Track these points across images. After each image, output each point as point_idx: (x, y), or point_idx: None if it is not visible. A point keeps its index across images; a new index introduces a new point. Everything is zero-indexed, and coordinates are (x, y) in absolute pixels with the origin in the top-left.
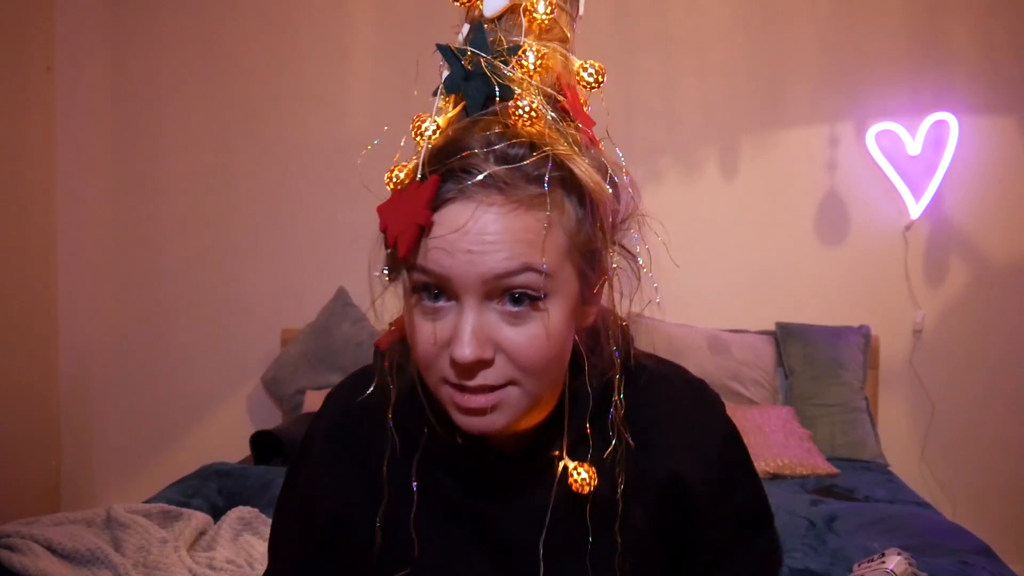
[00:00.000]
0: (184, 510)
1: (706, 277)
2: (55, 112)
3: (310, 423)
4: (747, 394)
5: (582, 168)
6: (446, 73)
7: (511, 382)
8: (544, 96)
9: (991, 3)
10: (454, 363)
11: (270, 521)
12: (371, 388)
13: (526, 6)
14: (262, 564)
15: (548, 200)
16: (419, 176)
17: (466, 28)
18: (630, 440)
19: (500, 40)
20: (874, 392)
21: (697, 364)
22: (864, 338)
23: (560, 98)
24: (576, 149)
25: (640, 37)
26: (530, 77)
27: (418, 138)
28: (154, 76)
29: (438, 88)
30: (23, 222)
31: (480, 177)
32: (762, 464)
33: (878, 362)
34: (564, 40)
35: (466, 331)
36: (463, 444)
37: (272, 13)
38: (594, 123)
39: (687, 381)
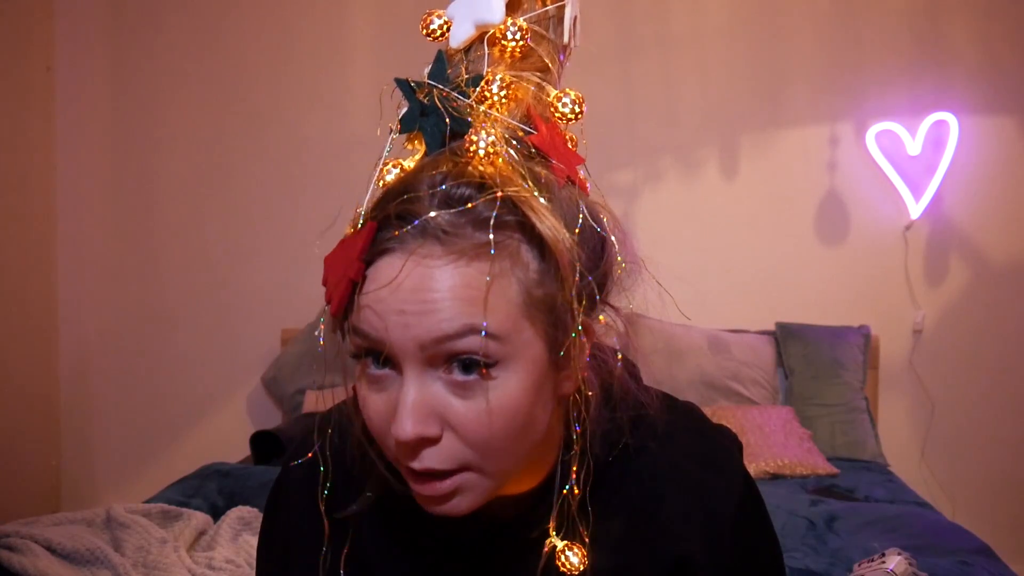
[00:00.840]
0: (184, 510)
1: (706, 277)
2: (55, 112)
3: (282, 469)
4: (747, 394)
5: (540, 213)
6: (404, 110)
7: (465, 467)
8: (508, 130)
9: (991, 3)
10: (396, 440)
11: None
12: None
13: (495, 34)
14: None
15: (492, 245)
16: (360, 223)
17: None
18: (609, 523)
19: (462, 72)
20: (874, 392)
21: (697, 364)
22: (864, 338)
23: (529, 131)
24: (538, 190)
25: (640, 37)
26: (496, 108)
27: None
28: (154, 76)
29: (391, 128)
30: (23, 222)
31: (415, 224)
32: (762, 464)
33: (878, 362)
34: (544, 70)
35: (405, 405)
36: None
37: (272, 13)
38: (581, 160)
39: (699, 435)
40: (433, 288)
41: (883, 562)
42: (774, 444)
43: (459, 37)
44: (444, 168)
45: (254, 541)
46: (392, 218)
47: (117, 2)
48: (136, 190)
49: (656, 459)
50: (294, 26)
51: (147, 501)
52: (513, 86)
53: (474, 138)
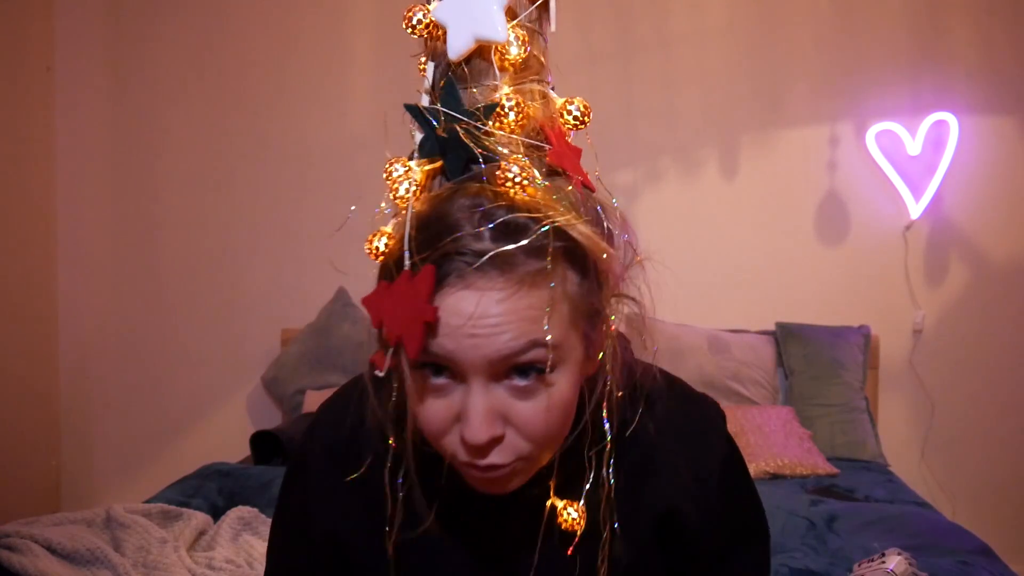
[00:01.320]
0: (184, 510)
1: (706, 277)
2: (55, 112)
3: (302, 438)
4: (747, 394)
5: (583, 233)
6: (419, 136)
7: (521, 457)
8: (530, 153)
9: (991, 3)
10: (465, 442)
11: (270, 521)
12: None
13: (497, 46)
14: (261, 564)
15: (553, 275)
16: (408, 264)
17: (431, 67)
18: (611, 478)
19: (472, 94)
20: (874, 392)
21: (697, 364)
22: (864, 338)
23: (546, 147)
24: (573, 210)
25: (640, 37)
26: (512, 132)
27: (395, 199)
28: (154, 76)
29: (413, 152)
30: (23, 222)
31: (482, 261)
32: (762, 464)
33: (878, 362)
34: (540, 70)
35: (477, 413)
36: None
37: (272, 13)
38: (579, 151)
39: (685, 399)
40: (500, 314)
41: (883, 562)
42: (774, 444)
43: (458, 49)
44: (482, 200)
45: (254, 541)
46: (451, 255)
47: (117, 2)
48: (136, 190)
49: (648, 424)
50: (294, 27)
51: (147, 501)
52: (523, 106)
53: (509, 172)
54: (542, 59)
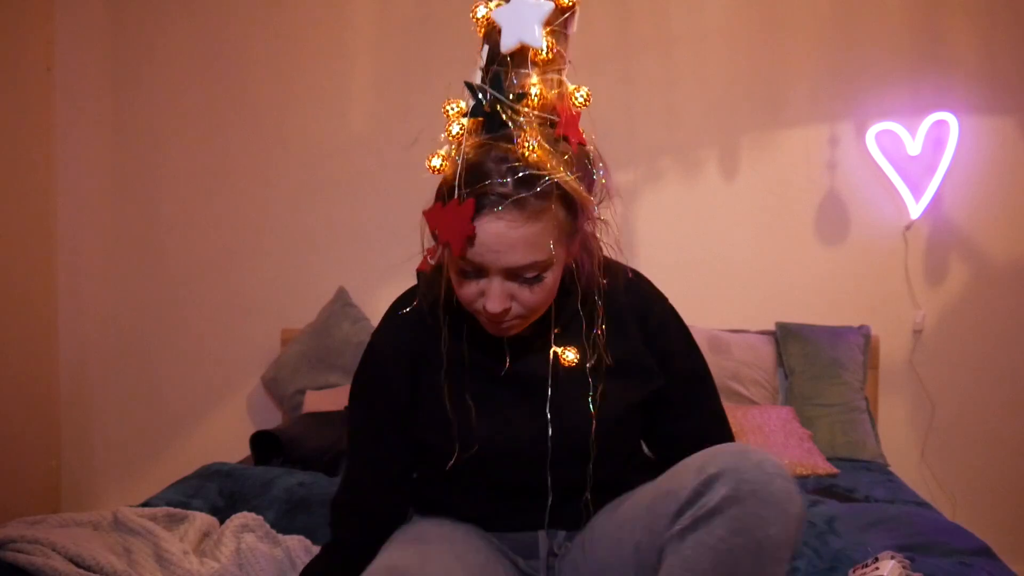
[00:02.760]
0: (188, 512)
1: (706, 277)
2: (55, 112)
3: (376, 329)
4: (747, 394)
5: (571, 185)
6: (472, 102)
7: (518, 316)
8: (544, 127)
9: (991, 3)
10: (486, 310)
11: (273, 531)
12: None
13: (534, 50)
14: (267, 566)
15: (549, 211)
16: (458, 195)
17: (486, 49)
18: (597, 323)
19: (510, 81)
20: (874, 392)
21: None
22: (864, 338)
23: (555, 119)
24: (567, 166)
25: (640, 37)
26: (534, 114)
27: (449, 136)
28: (154, 76)
29: (468, 109)
30: (23, 222)
31: (506, 204)
32: None
33: (878, 362)
34: (562, 65)
35: (495, 295)
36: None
37: (272, 13)
38: (579, 115)
39: (635, 275)
40: (513, 238)
41: (877, 568)
42: (774, 444)
43: (507, 45)
44: (507, 156)
45: (261, 546)
46: (488, 194)
47: (117, 2)
48: (136, 190)
49: (616, 287)
50: (294, 26)
51: (147, 501)
52: (543, 95)
53: (528, 142)
54: (563, 54)
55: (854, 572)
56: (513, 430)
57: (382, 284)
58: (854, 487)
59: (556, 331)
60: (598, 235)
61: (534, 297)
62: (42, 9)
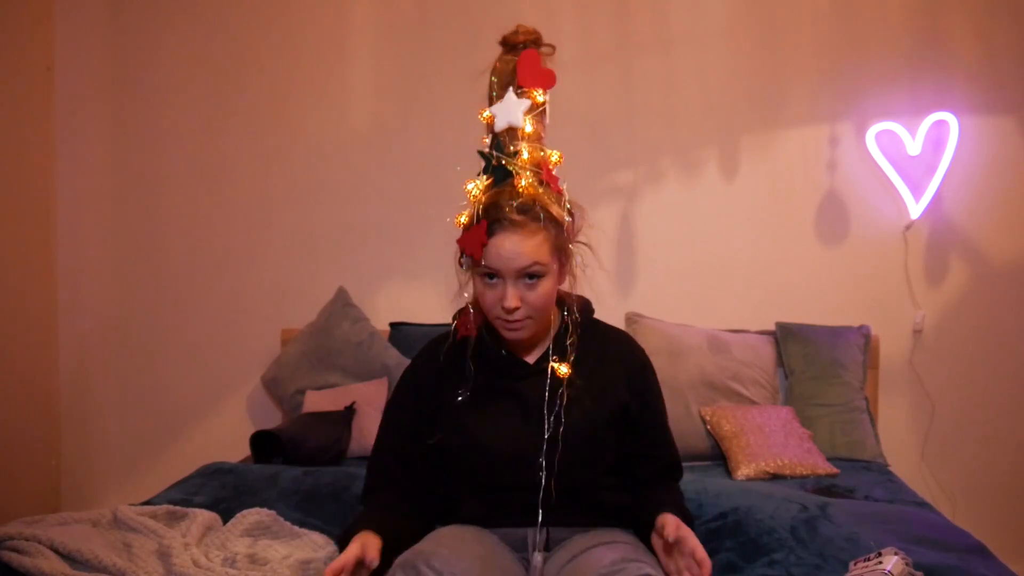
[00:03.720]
0: (189, 510)
1: (706, 277)
2: (55, 112)
3: (417, 353)
4: (747, 394)
5: (557, 211)
6: (483, 165)
7: (529, 317)
8: (535, 173)
9: (991, 3)
10: (503, 308)
11: (288, 523)
12: (449, 339)
13: (520, 128)
14: (279, 563)
15: (543, 229)
16: (475, 221)
17: (489, 137)
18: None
19: (507, 145)
20: (874, 392)
21: (697, 364)
22: (864, 338)
23: (539, 172)
24: (554, 200)
25: (640, 37)
26: (526, 164)
27: (470, 195)
28: (154, 76)
29: (479, 172)
30: (23, 221)
31: (515, 220)
32: (762, 464)
33: (878, 362)
34: (541, 136)
35: (510, 294)
36: (506, 355)
37: (272, 13)
38: (557, 178)
39: (620, 330)
40: (520, 248)
41: (879, 562)
42: (774, 444)
43: (500, 126)
44: (512, 194)
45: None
46: (500, 220)
47: (117, 2)
48: (136, 190)
49: (598, 325)
50: (295, 26)
51: (148, 501)
52: (532, 154)
53: (522, 182)
54: (541, 133)
55: (856, 565)
56: (511, 434)
57: (382, 284)
58: (854, 487)
59: (554, 358)
60: (580, 257)
61: (537, 298)
62: (42, 9)
